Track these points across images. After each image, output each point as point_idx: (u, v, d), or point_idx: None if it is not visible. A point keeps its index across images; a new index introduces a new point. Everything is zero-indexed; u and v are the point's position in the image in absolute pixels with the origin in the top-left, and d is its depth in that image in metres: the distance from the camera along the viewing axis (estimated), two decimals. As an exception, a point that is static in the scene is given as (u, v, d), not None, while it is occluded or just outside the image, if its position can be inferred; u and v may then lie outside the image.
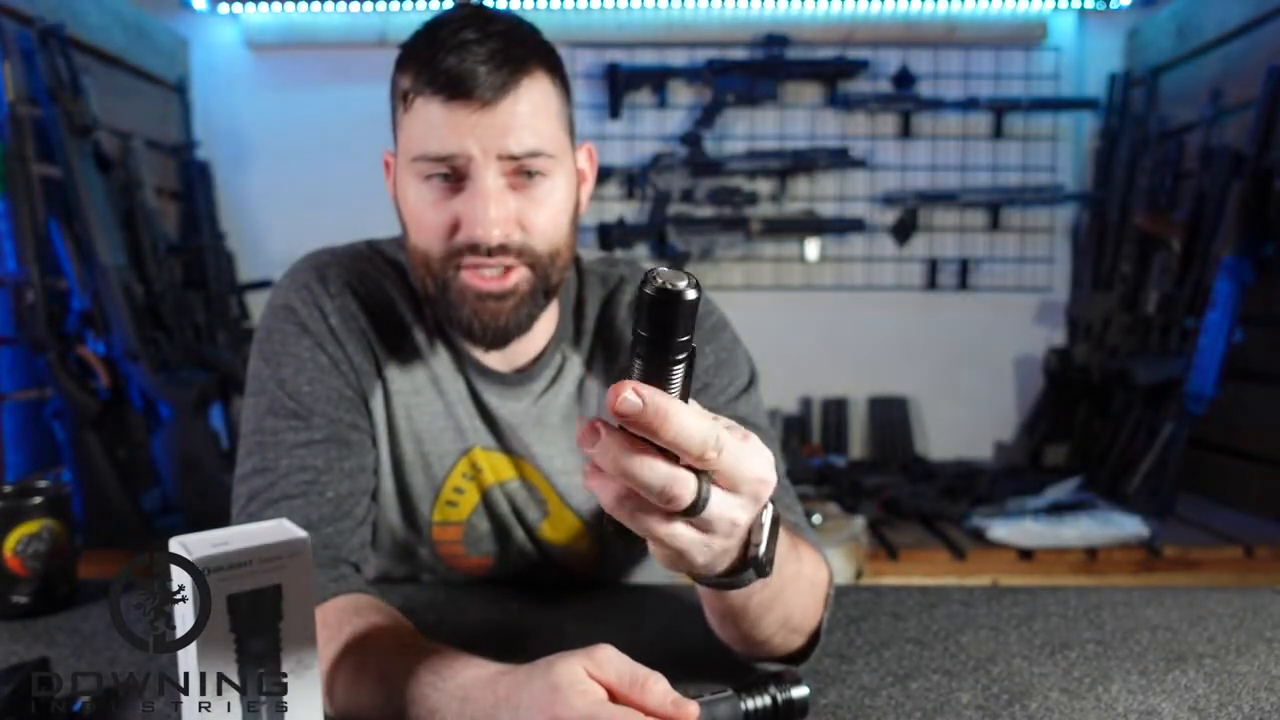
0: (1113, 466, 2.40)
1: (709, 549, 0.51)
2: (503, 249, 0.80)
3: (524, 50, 0.81)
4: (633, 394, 0.44)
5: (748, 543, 0.56)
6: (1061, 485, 2.32)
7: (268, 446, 0.83)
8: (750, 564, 0.56)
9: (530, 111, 0.80)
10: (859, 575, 1.98)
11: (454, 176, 0.80)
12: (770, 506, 0.57)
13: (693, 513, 0.48)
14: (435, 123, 0.79)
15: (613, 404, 0.44)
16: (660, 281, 0.39)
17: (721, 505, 0.50)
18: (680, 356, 0.42)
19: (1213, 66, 2.46)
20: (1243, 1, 2.31)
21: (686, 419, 0.45)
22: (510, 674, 0.60)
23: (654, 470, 0.46)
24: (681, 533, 0.50)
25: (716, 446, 0.47)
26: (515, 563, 1.00)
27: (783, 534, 0.63)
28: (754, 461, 0.50)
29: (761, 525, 0.56)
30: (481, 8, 0.83)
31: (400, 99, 0.81)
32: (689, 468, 0.47)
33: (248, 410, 0.86)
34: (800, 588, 0.70)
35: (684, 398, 0.46)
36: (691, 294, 0.40)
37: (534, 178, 0.81)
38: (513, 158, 0.79)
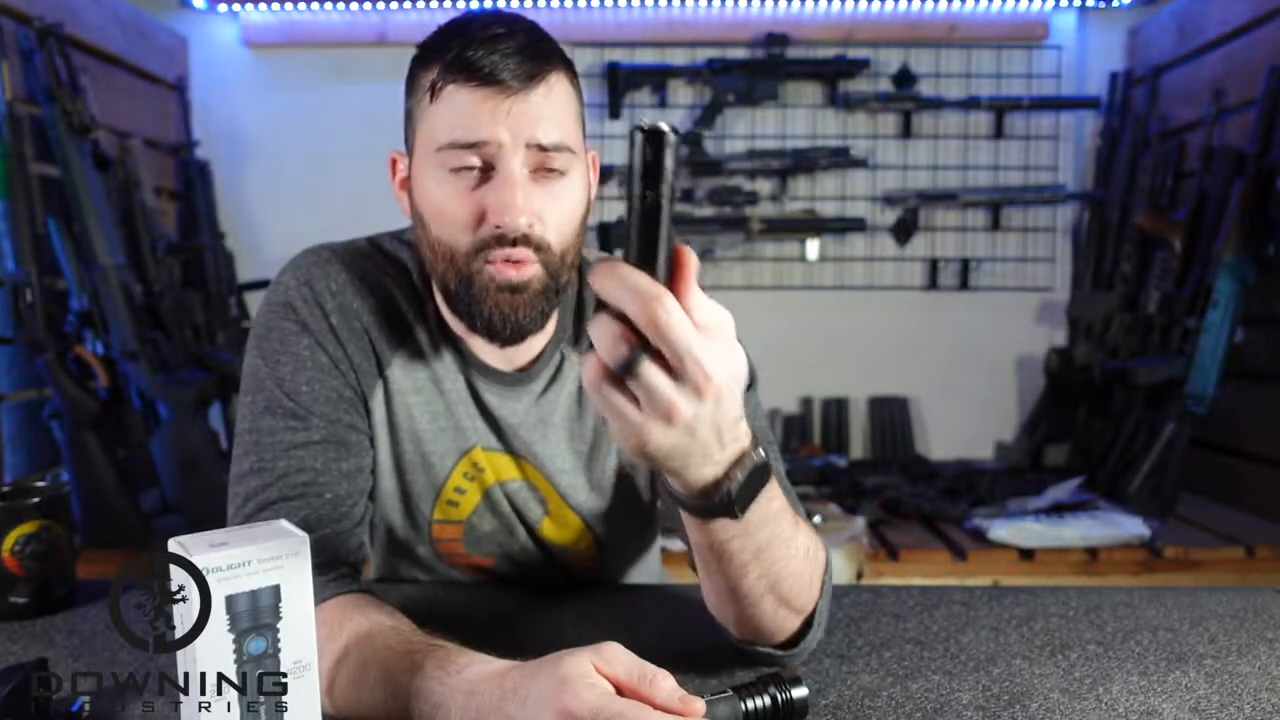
0: (1113, 467, 2.40)
1: (649, 432, 0.53)
2: (525, 240, 0.81)
3: (550, 47, 0.83)
4: (602, 264, 0.51)
5: (721, 479, 0.58)
6: (1062, 485, 2.32)
7: (265, 447, 0.83)
8: (722, 496, 0.59)
9: (556, 105, 0.81)
10: (859, 575, 1.98)
11: (480, 168, 0.81)
12: (761, 453, 0.60)
13: (622, 373, 0.51)
14: (466, 110, 0.79)
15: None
16: (647, 125, 0.49)
17: (657, 381, 0.51)
18: (664, 190, 0.49)
19: (1214, 66, 2.46)
20: (1243, 1, 2.30)
21: (632, 277, 0.50)
22: (517, 668, 0.60)
23: (597, 323, 0.51)
24: (613, 395, 0.52)
25: (661, 307, 0.49)
26: (516, 562, 1.00)
27: (779, 495, 0.66)
28: (704, 349, 0.51)
29: (744, 467, 0.59)
30: (500, 10, 0.84)
31: (427, 90, 0.81)
32: (639, 335, 0.50)
33: (244, 408, 0.86)
34: (791, 552, 0.69)
35: (657, 243, 0.50)
36: (672, 136, 0.49)
37: (553, 174, 0.82)
38: (541, 148, 0.80)
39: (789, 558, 0.69)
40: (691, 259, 0.51)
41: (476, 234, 0.81)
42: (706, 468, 0.57)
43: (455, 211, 0.81)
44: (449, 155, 0.80)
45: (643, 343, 0.51)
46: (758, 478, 0.60)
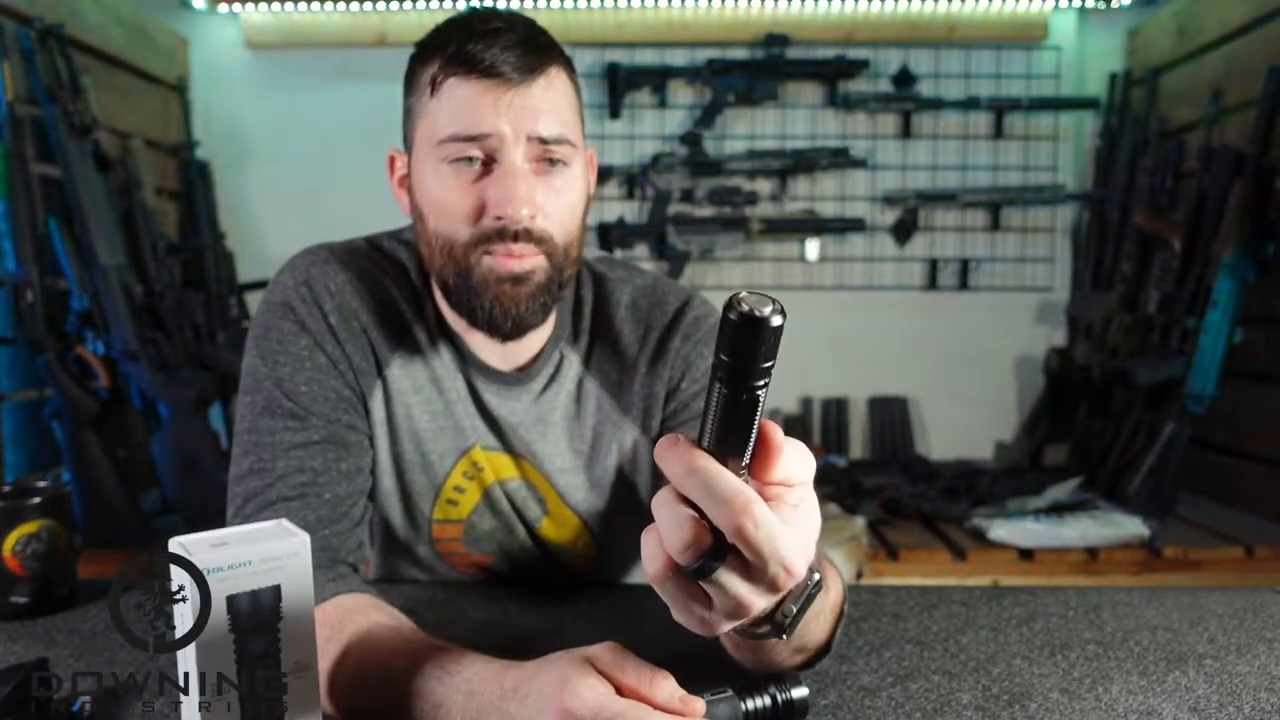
0: (1113, 466, 2.40)
1: (718, 625, 0.49)
2: (527, 234, 0.81)
3: (548, 41, 0.84)
4: (669, 441, 0.45)
5: (778, 603, 0.53)
6: (1062, 485, 2.32)
7: (264, 447, 0.83)
8: (772, 626, 0.54)
9: (556, 98, 0.82)
10: (859, 575, 1.98)
11: (481, 161, 0.81)
12: (817, 576, 0.55)
13: (695, 577, 0.47)
14: (467, 103, 0.79)
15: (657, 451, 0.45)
16: (745, 308, 0.39)
17: (732, 585, 0.46)
18: (759, 384, 0.42)
19: (1213, 66, 2.46)
20: (1243, 1, 2.31)
21: (717, 481, 0.43)
22: (517, 668, 0.60)
23: (665, 510, 0.45)
24: (673, 591, 0.48)
25: (750, 519, 0.43)
26: (515, 561, 1.00)
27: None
28: (789, 547, 0.45)
29: (798, 597, 0.54)
30: (496, 8, 0.85)
31: (427, 85, 0.82)
32: (714, 531, 0.45)
33: (243, 408, 0.86)
34: (821, 620, 0.68)
35: (749, 436, 0.44)
36: (777, 320, 0.39)
37: (555, 166, 0.82)
38: (541, 140, 0.80)
39: (818, 627, 0.67)
40: (778, 437, 0.45)
41: (476, 226, 0.81)
42: (760, 605, 0.51)
43: (455, 204, 0.81)
44: (450, 148, 0.80)
45: (719, 543, 0.45)
46: (809, 602, 0.54)
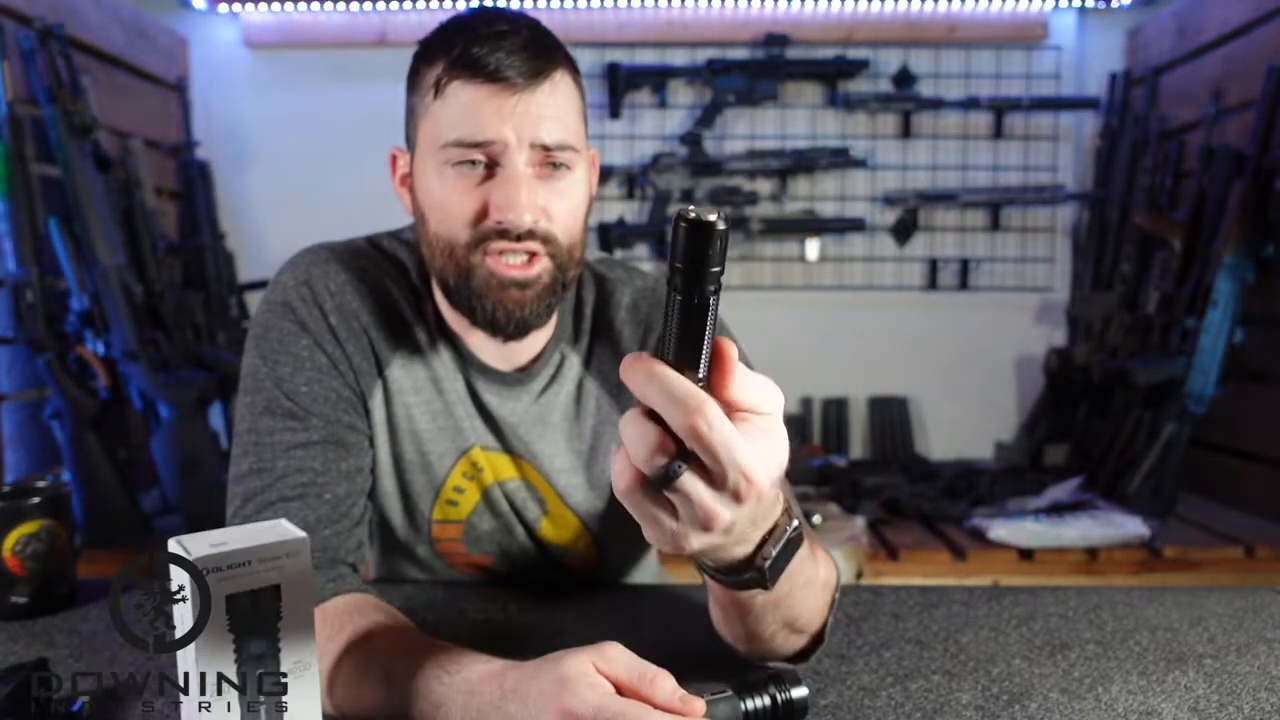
0: (1113, 466, 2.40)
1: (685, 539, 0.50)
2: (530, 235, 0.81)
3: (553, 43, 0.83)
4: (633, 357, 0.47)
5: (758, 547, 0.55)
6: (1062, 485, 2.32)
7: (264, 447, 0.83)
8: (754, 571, 0.56)
9: (560, 103, 0.82)
10: (859, 575, 1.98)
11: (484, 164, 0.81)
12: (796, 523, 0.56)
13: (660, 484, 0.48)
14: (471, 108, 0.79)
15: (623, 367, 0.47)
16: (694, 214, 0.43)
17: (696, 491, 0.48)
18: (712, 287, 0.45)
19: (1213, 66, 2.46)
20: (1243, 1, 2.31)
21: (673, 383, 0.46)
22: (518, 668, 0.60)
23: (631, 425, 0.48)
24: (640, 503, 0.49)
25: (703, 418, 0.45)
26: (515, 561, 1.00)
27: (804, 545, 0.63)
28: (747, 455, 0.47)
29: (777, 540, 0.55)
30: (501, 9, 0.84)
31: (431, 87, 0.81)
32: (676, 439, 0.47)
33: (243, 408, 0.86)
34: (811, 591, 0.69)
35: (702, 342, 0.46)
36: (722, 225, 0.43)
37: (559, 170, 0.82)
38: (544, 147, 0.80)
39: (807, 597, 0.69)
40: (733, 351, 0.48)
41: (477, 228, 0.81)
42: (738, 549, 0.55)
43: (457, 207, 0.81)
44: (453, 152, 0.81)
45: (681, 450, 0.47)
46: (790, 549, 0.57)
